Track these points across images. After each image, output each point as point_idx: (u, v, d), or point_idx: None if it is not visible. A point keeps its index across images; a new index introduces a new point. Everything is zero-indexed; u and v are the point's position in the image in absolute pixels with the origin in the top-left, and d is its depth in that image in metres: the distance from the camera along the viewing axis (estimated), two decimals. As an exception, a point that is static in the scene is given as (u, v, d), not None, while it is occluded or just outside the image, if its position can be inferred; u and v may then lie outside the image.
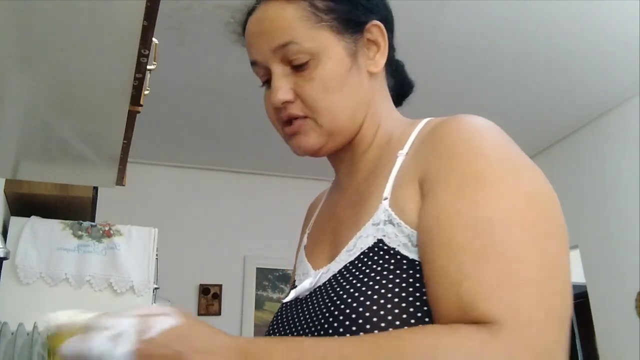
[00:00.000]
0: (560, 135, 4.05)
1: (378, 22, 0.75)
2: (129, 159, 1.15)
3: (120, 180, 1.26)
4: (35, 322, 1.52)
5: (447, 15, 2.72)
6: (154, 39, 0.76)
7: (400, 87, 0.86)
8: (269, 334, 0.74)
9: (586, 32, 2.88)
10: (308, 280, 0.71)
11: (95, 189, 1.88)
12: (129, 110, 0.90)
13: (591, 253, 3.71)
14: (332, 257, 0.71)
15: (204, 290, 4.11)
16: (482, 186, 0.58)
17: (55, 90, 0.82)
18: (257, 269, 4.23)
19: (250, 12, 0.76)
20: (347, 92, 0.72)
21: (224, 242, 4.20)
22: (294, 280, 0.82)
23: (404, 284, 0.58)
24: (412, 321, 0.57)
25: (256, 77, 0.78)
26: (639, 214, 3.33)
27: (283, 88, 0.71)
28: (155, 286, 1.90)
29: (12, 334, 1.49)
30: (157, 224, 1.93)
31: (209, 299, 4.10)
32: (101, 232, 1.78)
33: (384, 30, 0.76)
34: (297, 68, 0.71)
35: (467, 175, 0.59)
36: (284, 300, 0.76)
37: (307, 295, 0.71)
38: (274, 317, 0.76)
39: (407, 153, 0.69)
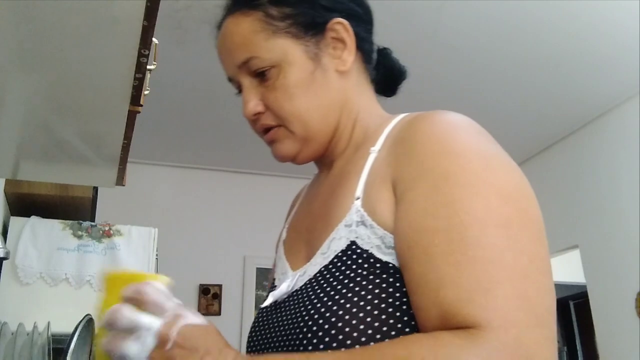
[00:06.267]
0: (560, 135, 4.05)
1: (340, 19, 0.74)
2: (129, 159, 1.15)
3: (120, 180, 1.26)
4: (35, 322, 1.52)
5: (446, 16, 2.72)
6: (154, 39, 0.76)
7: (390, 75, 0.83)
8: (250, 341, 0.73)
9: (586, 32, 2.88)
10: (285, 284, 0.70)
11: (95, 189, 1.88)
12: (129, 110, 0.90)
13: (591, 253, 3.71)
14: (308, 257, 0.70)
15: (204, 290, 4.11)
16: (455, 187, 0.57)
17: (55, 90, 0.82)
18: (257, 269, 4.23)
19: (219, 27, 0.78)
20: (312, 96, 0.71)
21: (224, 242, 4.20)
22: (274, 279, 0.81)
23: (376, 291, 0.58)
24: (385, 329, 0.56)
25: None
26: (639, 213, 3.33)
27: (252, 101, 0.73)
28: (155, 286, 1.89)
29: (12, 334, 1.48)
30: (157, 224, 1.93)
31: (209, 299, 4.10)
32: (101, 232, 1.78)
33: (348, 27, 0.74)
34: (262, 79, 0.72)
35: (439, 177, 0.58)
36: (262, 305, 0.74)
37: (285, 299, 0.70)
38: (254, 323, 0.75)
39: (379, 150, 0.68)
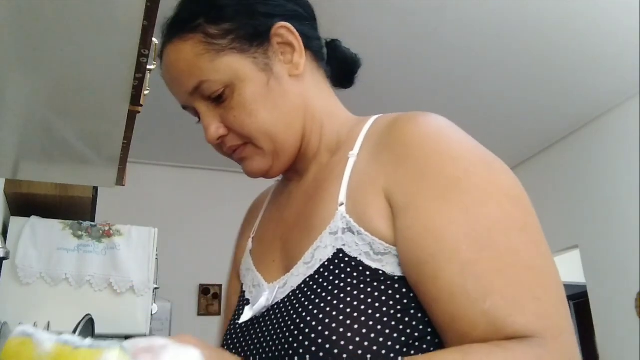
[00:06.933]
0: (560, 135, 4.05)
1: (283, 23, 0.71)
2: (129, 159, 1.15)
3: (120, 180, 1.26)
4: (35, 322, 1.52)
5: (447, 15, 2.72)
6: (154, 39, 0.75)
7: (344, 66, 0.80)
8: None
9: (586, 31, 2.88)
10: (264, 297, 0.66)
11: (95, 189, 1.88)
12: (129, 110, 0.90)
13: (591, 253, 3.71)
14: (286, 268, 0.67)
15: (204, 290, 4.11)
16: (465, 192, 0.56)
17: (55, 90, 0.82)
18: (257, 269, 4.23)
19: (160, 56, 0.75)
20: (272, 107, 0.69)
21: (224, 242, 4.18)
22: (243, 292, 0.76)
23: (369, 300, 0.56)
24: (381, 339, 0.54)
25: None
26: (639, 213, 3.33)
27: (213, 125, 0.70)
28: (155, 286, 1.90)
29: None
30: (157, 224, 1.93)
31: (209, 299, 4.10)
32: (101, 232, 1.78)
33: (293, 29, 0.71)
34: (217, 101, 0.69)
35: (446, 182, 0.56)
36: (239, 321, 0.70)
37: (264, 313, 0.66)
38: (229, 340, 0.70)
39: (358, 154, 0.66)
